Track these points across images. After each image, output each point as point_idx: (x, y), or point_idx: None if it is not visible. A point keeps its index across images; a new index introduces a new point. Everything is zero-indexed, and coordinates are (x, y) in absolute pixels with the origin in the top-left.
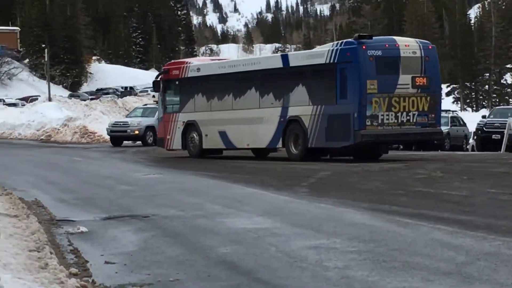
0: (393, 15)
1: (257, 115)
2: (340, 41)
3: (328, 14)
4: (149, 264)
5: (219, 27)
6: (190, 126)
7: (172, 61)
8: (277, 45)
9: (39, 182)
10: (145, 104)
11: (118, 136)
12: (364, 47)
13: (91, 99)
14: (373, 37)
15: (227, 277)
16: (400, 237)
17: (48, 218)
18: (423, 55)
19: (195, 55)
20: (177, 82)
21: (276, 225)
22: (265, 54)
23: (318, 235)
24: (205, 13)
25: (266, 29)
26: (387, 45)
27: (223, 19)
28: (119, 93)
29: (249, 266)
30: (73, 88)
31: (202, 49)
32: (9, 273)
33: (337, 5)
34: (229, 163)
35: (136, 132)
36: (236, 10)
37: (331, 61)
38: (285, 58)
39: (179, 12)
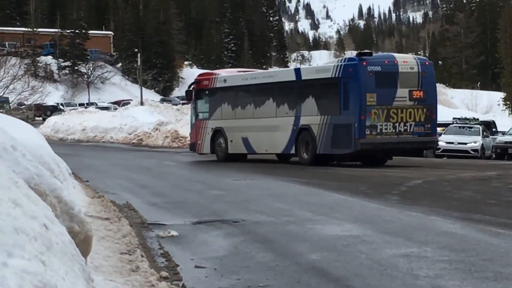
0: (487, 23)
1: (274, 123)
2: (344, 58)
3: (421, 21)
4: (239, 269)
5: (310, 34)
6: (217, 133)
7: (203, 72)
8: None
9: (130, 185)
10: None
11: None
12: (364, 63)
13: (183, 103)
14: (373, 54)
15: (317, 284)
16: (492, 247)
17: (139, 221)
18: (420, 70)
19: (287, 61)
20: (206, 92)
21: (366, 232)
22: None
23: (408, 243)
24: (297, 19)
25: (358, 36)
26: (386, 61)
27: (315, 26)
28: None
29: (339, 273)
30: (165, 92)
31: (294, 55)
32: (101, 275)
33: (430, 13)
34: (319, 169)
35: None
36: (328, 16)
37: (336, 76)
38: (297, 72)
39: (271, 18)
